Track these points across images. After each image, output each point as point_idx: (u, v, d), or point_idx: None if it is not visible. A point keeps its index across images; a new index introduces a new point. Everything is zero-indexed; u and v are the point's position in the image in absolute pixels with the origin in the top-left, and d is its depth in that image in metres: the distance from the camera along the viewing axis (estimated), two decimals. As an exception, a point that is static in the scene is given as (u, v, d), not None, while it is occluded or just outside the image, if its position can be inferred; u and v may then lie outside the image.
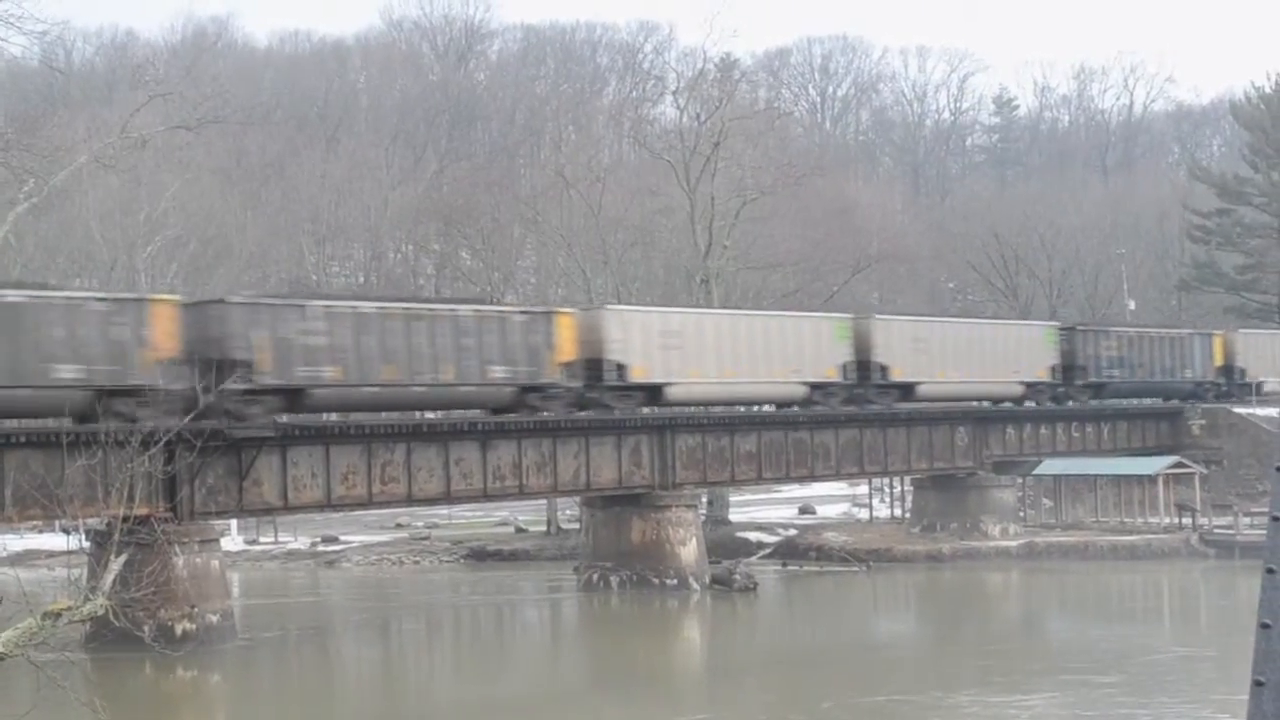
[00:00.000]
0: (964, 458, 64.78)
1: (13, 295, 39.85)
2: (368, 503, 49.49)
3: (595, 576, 55.39)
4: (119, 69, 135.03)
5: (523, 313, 51.10)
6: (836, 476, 65.36)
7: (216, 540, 44.73)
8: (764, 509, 77.26)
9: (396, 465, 48.06)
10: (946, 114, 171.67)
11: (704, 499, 66.10)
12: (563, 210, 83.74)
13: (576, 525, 66.06)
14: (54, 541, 63.28)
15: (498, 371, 48.53)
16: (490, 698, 39.09)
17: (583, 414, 52.18)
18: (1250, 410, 72.51)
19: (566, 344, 50.23)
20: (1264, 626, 5.33)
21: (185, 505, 42.33)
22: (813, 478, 63.74)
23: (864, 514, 74.61)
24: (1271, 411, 72.07)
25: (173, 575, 39.89)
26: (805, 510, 76.78)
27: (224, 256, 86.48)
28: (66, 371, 39.36)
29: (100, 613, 19.03)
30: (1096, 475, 67.67)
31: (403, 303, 50.78)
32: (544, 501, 69.87)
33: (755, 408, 61.97)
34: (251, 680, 41.67)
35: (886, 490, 75.11)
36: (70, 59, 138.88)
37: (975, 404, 67.48)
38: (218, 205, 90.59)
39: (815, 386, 58.35)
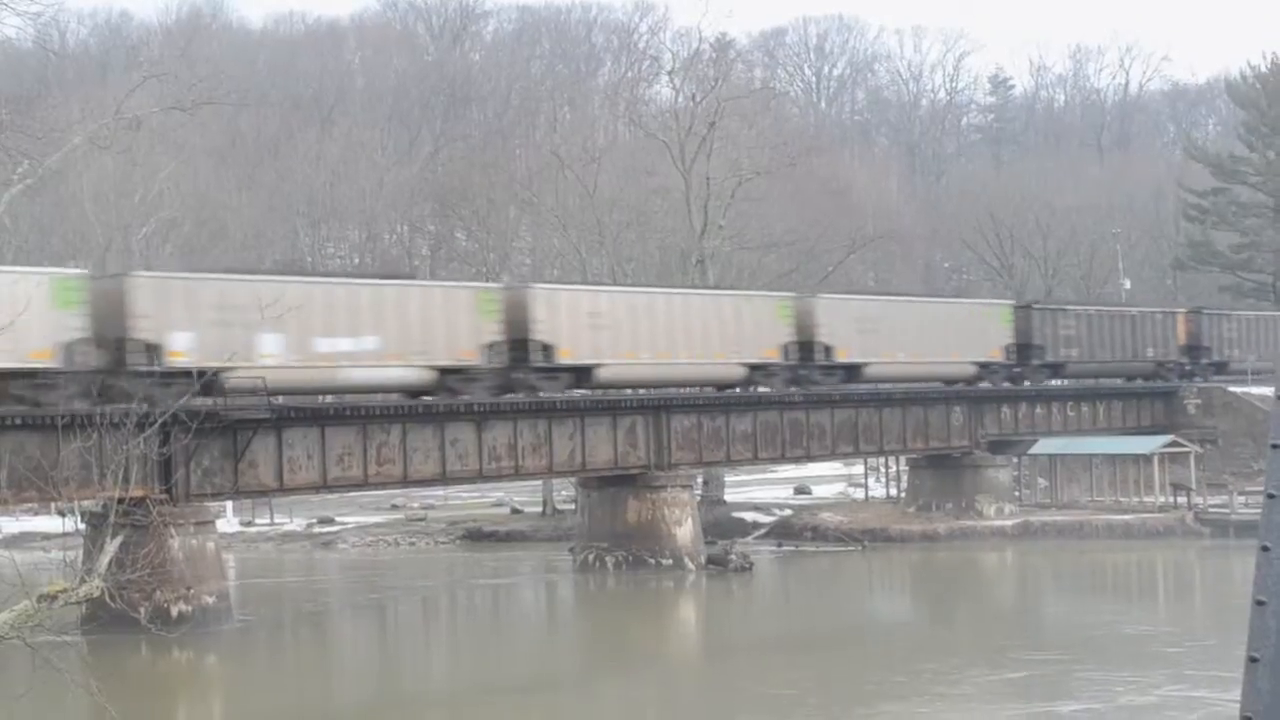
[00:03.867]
0: (959, 437, 64.82)
1: (1132, 310, 71.16)
2: (363, 484, 49.49)
3: (591, 557, 55.44)
4: (113, 50, 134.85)
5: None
6: (832, 456, 65.41)
7: (212, 522, 44.77)
8: (759, 489, 77.34)
9: (392, 446, 48.05)
10: (942, 93, 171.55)
11: (699, 479, 66.15)
12: (558, 191, 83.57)
13: (572, 506, 66.08)
14: (49, 524, 63.28)
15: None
16: (486, 678, 39.13)
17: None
18: (1245, 389, 72.54)
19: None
20: (1259, 603, 5.34)
21: (181, 487, 42.31)
22: (808, 458, 63.78)
23: (859, 494, 74.66)
24: (1267, 390, 72.06)
25: (168, 557, 39.89)
26: (801, 490, 76.90)
27: (219, 238, 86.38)
28: (1149, 352, 71.11)
29: (96, 595, 19.03)
30: (1092, 454, 67.70)
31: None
32: (540, 482, 69.88)
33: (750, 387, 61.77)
34: (248, 661, 41.70)
35: (882, 470, 75.13)
36: (65, 40, 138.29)
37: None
38: (212, 186, 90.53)
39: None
